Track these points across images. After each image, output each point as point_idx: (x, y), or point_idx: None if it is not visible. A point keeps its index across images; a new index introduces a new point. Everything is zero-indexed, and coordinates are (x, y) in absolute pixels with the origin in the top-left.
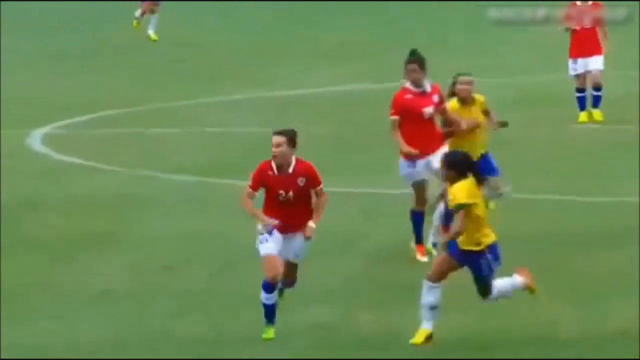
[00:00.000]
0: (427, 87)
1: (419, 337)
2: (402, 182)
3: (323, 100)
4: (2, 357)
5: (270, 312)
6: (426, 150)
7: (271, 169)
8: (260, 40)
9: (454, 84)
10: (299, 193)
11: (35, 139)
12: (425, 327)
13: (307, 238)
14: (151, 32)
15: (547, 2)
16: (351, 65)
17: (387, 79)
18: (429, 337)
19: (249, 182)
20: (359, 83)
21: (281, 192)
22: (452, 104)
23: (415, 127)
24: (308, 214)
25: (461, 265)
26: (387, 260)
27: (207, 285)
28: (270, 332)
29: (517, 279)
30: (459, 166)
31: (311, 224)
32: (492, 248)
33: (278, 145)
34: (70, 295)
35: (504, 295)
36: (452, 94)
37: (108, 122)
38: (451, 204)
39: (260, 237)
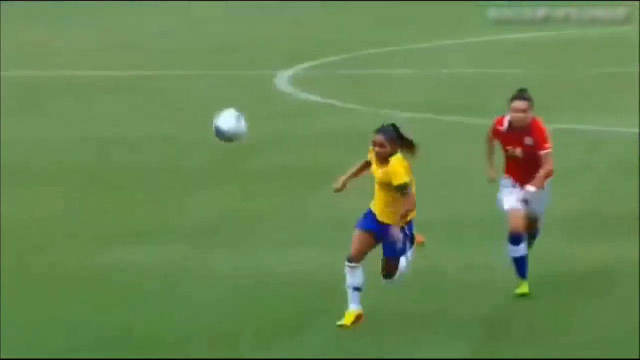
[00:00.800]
0: None
1: (348, 319)
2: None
3: (545, 43)
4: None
5: (520, 266)
6: None
7: (501, 124)
8: None
9: None
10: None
11: (283, 80)
12: (353, 309)
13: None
14: None
15: (547, 2)
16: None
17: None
18: (358, 317)
19: None
20: (575, 29)
21: (509, 148)
22: None
23: None
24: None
25: (379, 242)
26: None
27: (447, 217)
28: (525, 287)
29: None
30: (398, 140)
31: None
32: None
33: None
34: (313, 223)
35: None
36: None
37: (350, 63)
38: (396, 184)
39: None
